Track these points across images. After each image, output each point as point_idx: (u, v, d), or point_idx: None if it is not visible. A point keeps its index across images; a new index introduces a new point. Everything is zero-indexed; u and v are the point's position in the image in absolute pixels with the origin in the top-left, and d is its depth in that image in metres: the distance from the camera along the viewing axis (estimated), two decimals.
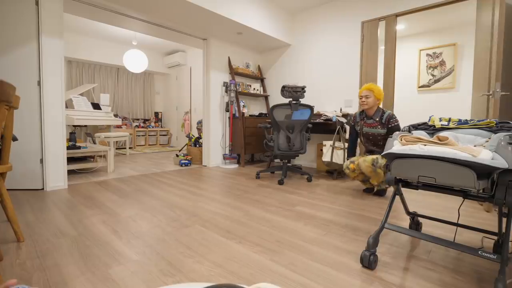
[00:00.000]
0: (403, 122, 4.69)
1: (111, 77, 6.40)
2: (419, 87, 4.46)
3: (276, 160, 4.72)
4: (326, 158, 3.22)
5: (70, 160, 3.43)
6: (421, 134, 1.38)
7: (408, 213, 1.58)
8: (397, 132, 1.37)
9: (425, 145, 1.14)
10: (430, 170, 1.07)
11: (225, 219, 1.84)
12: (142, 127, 6.77)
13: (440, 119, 1.41)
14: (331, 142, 3.21)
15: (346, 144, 3.15)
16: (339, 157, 3.16)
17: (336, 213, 1.98)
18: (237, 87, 4.26)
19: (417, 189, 1.33)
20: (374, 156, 2.33)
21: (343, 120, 3.41)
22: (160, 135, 7.02)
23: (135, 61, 5.08)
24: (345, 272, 1.19)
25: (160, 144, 7.01)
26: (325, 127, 3.58)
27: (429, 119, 1.45)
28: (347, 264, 1.26)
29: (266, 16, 3.84)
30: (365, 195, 2.51)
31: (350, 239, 1.53)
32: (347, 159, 2.63)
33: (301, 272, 1.19)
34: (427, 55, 4.37)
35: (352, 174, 2.50)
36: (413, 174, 1.13)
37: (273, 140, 3.09)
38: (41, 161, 2.57)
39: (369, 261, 1.20)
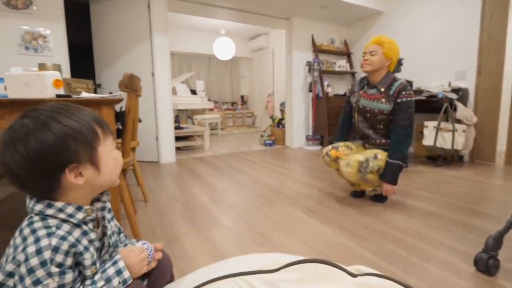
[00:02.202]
0: None
1: (204, 65, 7.12)
2: None
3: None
4: (427, 141, 2.77)
5: (176, 139, 4.07)
6: None
7: None
8: None
9: None
10: None
11: (309, 199, 1.86)
12: (230, 109, 7.36)
13: None
14: (435, 123, 2.73)
15: (456, 125, 2.62)
16: (445, 140, 2.67)
17: (439, 205, 1.71)
18: (321, 66, 4.06)
19: None
20: (362, 157, 1.59)
21: (453, 96, 2.82)
22: (246, 116, 7.49)
23: (224, 49, 5.46)
24: (451, 272, 1.03)
25: (246, 125, 7.49)
26: (427, 105, 3.04)
27: None
28: (454, 264, 1.09)
29: None
30: (478, 187, 2.06)
31: (459, 236, 1.31)
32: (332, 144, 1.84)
33: (395, 263, 1.10)
34: None
35: (333, 165, 1.77)
36: None
37: None
38: (156, 138, 3.15)
39: (487, 265, 1.00)
